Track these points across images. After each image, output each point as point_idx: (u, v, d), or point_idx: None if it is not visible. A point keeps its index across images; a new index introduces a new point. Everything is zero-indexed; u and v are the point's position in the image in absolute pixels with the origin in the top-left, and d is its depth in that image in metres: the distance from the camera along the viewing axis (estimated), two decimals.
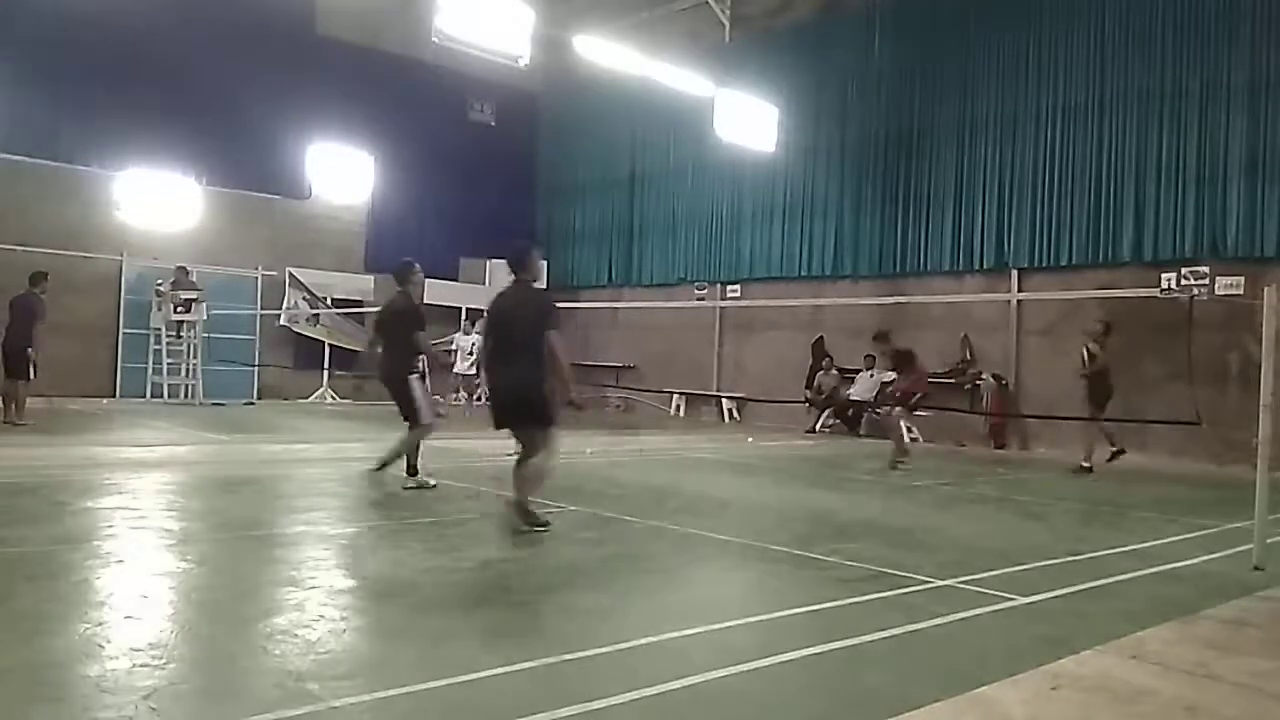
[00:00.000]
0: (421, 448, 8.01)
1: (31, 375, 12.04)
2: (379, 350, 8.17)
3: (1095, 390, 11.31)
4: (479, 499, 7.83)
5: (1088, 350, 11.44)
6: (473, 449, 11.21)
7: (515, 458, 6.42)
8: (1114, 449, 11.41)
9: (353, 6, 19.43)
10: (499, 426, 6.30)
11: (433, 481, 7.90)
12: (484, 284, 21.61)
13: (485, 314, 6.72)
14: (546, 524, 6.20)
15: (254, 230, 19.02)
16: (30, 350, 11.94)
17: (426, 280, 19.72)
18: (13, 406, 11.95)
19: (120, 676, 3.28)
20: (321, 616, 4.14)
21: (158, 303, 17.37)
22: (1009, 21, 15.22)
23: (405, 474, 7.87)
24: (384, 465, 7.82)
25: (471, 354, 16.97)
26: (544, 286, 6.45)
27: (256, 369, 18.83)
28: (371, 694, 3.22)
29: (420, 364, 8.31)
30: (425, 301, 16.13)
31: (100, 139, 16.92)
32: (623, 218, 21.48)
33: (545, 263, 6.44)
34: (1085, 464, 11.25)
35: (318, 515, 6.55)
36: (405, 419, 7.88)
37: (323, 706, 3.07)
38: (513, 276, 6.45)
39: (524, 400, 6.16)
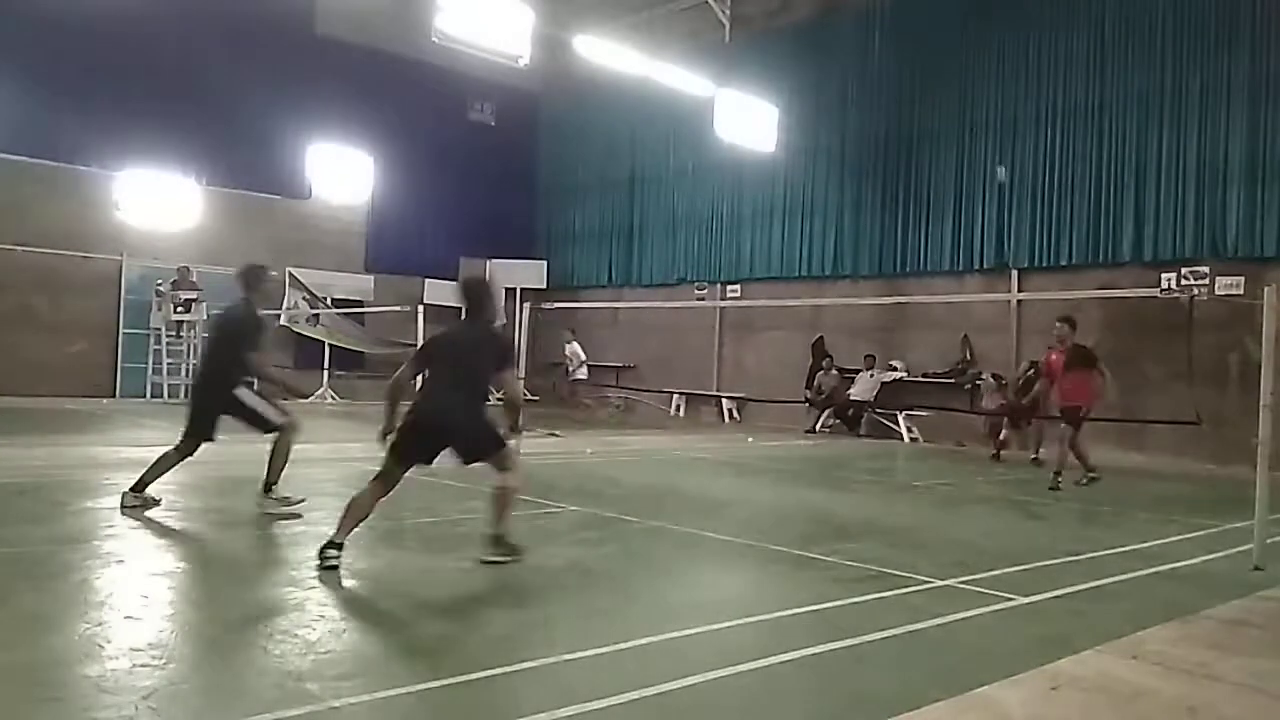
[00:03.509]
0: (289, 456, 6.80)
1: None
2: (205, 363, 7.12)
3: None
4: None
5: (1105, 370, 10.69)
6: None
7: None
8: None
9: (353, 6, 19.42)
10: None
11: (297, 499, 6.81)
12: None
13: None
14: None
15: (254, 230, 18.99)
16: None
17: (426, 280, 20.10)
18: None
19: (120, 676, 3.28)
20: (321, 616, 4.14)
21: (158, 303, 17.39)
22: (1009, 22, 15.20)
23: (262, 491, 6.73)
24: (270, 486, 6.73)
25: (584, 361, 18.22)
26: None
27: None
28: (371, 694, 3.22)
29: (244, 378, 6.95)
30: (426, 301, 16.32)
31: (100, 139, 16.91)
32: (623, 218, 21.46)
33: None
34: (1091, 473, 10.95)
35: (318, 515, 6.53)
36: (263, 431, 6.81)
37: (323, 706, 3.07)
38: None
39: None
